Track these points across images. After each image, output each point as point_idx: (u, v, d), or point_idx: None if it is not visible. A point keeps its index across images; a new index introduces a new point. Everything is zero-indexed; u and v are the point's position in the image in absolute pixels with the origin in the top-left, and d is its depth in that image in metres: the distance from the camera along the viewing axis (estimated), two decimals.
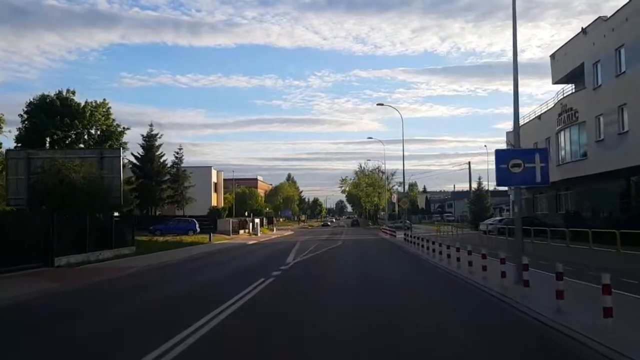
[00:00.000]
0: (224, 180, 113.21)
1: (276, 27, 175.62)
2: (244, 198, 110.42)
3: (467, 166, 70.71)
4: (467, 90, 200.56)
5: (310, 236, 55.18)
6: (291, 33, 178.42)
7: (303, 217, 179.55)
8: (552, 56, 41.50)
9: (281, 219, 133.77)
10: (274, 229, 69.80)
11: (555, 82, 41.46)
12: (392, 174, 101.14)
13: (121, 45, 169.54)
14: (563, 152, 39.50)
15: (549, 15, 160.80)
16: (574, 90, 38.42)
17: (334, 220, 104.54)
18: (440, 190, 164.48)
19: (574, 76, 37.93)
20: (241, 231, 54.86)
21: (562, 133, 39.30)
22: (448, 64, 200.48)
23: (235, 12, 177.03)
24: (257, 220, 64.97)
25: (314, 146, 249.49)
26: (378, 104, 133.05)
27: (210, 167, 65.16)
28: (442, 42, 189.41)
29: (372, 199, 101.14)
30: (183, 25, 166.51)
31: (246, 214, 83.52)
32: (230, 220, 50.47)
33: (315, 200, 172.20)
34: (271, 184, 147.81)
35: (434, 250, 23.36)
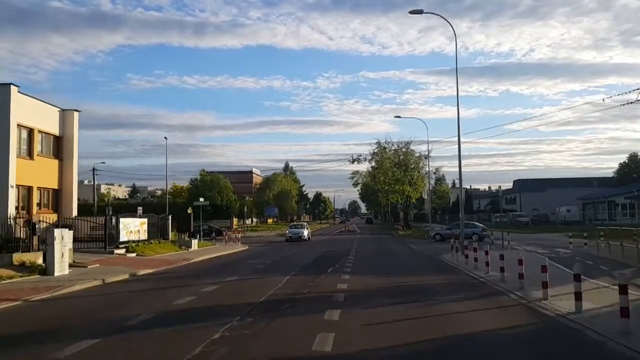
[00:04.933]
0: (206, 172, 75.20)
1: (281, 27, 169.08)
2: (203, 188, 70.48)
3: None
4: (477, 91, 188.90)
5: (227, 282, 15.18)
6: (297, 33, 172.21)
7: (306, 218, 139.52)
8: None
9: (271, 220, 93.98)
10: (207, 242, 29.42)
11: None
12: (425, 157, 60.46)
13: (127, 47, 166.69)
14: None
15: (558, 13, 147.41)
16: None
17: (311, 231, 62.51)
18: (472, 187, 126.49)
19: None
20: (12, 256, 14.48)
21: None
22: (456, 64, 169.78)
23: (239, 13, 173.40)
24: (128, 221, 25.03)
25: (325, 148, 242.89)
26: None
27: (9, 85, 24.39)
28: (449, 42, 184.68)
29: (402, 187, 60.21)
30: (187, 25, 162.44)
31: (189, 211, 43.56)
32: None
33: (319, 196, 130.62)
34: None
35: None
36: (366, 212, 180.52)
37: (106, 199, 57.48)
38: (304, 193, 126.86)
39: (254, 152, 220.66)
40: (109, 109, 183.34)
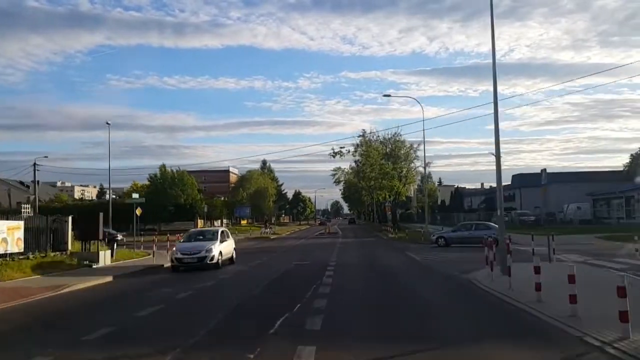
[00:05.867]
0: (181, 170, 66.25)
1: (262, 27, 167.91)
2: (163, 185, 61.17)
3: None
4: (457, 91, 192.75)
5: None
6: (277, 34, 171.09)
7: (286, 219, 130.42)
8: None
9: (245, 221, 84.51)
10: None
11: None
12: (416, 149, 52.69)
13: (107, 47, 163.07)
14: None
15: (537, 14, 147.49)
16: None
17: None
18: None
19: None
20: None
21: None
22: (437, 64, 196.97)
23: (219, 13, 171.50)
24: None
25: (307, 148, 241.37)
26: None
27: None
28: (430, 43, 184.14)
29: (390, 182, 51.72)
30: (167, 26, 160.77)
31: (137, 212, 34.52)
32: None
33: (297, 195, 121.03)
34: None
35: None
36: (349, 212, 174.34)
37: (32, 196, 47.80)
38: (283, 192, 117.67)
39: (235, 153, 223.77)
40: (89, 110, 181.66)
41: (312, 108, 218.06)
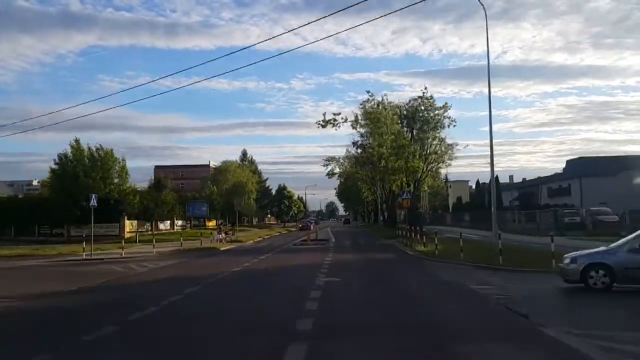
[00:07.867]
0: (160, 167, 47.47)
1: (255, 28, 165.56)
2: (74, 171, 41.79)
3: None
4: (451, 93, 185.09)
5: None
6: (270, 35, 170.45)
7: (270, 219, 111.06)
8: None
9: (212, 222, 64.97)
10: None
11: None
12: (445, 110, 33.74)
13: (99, 47, 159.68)
14: None
15: (530, 15, 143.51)
16: None
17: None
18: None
19: None
20: None
21: None
22: (430, 66, 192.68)
23: (211, 13, 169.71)
24: None
25: (301, 149, 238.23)
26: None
27: None
28: (423, 44, 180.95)
29: (413, 163, 32.38)
30: (159, 26, 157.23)
31: None
32: None
33: (282, 190, 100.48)
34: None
35: None
36: (345, 213, 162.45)
37: None
38: (268, 188, 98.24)
39: (229, 154, 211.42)
40: (82, 111, 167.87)
41: (306, 109, 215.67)
